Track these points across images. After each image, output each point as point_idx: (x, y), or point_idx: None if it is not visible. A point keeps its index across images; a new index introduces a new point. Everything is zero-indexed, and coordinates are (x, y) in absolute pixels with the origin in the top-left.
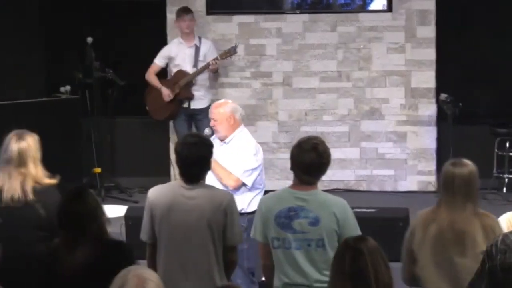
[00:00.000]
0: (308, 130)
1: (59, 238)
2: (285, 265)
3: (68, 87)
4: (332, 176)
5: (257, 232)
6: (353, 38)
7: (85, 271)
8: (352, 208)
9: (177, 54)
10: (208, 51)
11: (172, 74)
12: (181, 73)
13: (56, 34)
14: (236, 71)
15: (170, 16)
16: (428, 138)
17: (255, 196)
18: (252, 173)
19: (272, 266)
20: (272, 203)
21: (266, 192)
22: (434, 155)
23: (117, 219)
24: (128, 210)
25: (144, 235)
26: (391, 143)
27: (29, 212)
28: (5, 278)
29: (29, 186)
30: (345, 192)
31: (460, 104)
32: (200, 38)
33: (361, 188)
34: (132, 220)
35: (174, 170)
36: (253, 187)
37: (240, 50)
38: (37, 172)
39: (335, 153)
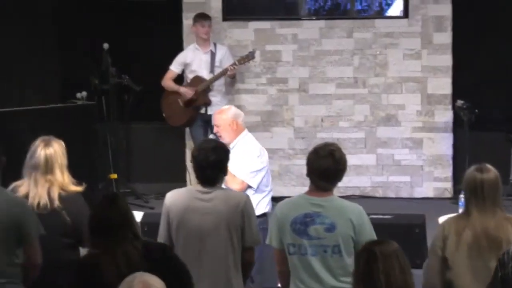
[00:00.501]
0: (324, 136)
1: (93, 245)
2: (301, 271)
3: (84, 93)
4: (348, 182)
5: (272, 238)
6: (369, 44)
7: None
8: (368, 214)
9: (193, 60)
10: (223, 57)
11: (188, 80)
12: (198, 79)
13: (72, 40)
14: (252, 77)
15: (186, 22)
16: (444, 144)
17: (262, 198)
18: (257, 175)
19: (288, 272)
20: (288, 209)
21: (281, 198)
22: (451, 162)
23: None
24: (144, 216)
25: (161, 240)
26: (407, 150)
27: (55, 219)
28: (31, 285)
29: (55, 193)
30: (361, 199)
31: (476, 110)
32: (215, 44)
33: (377, 195)
34: (148, 226)
35: (190, 176)
36: (259, 189)
37: (256, 56)
38: (63, 179)
39: (351, 160)
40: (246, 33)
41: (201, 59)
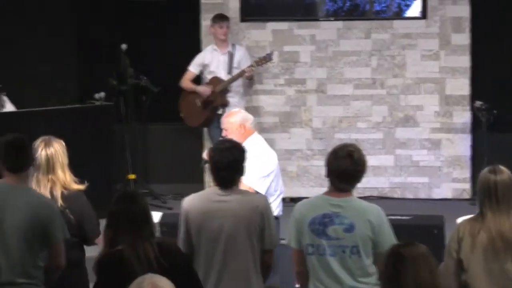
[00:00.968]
0: (342, 137)
1: (112, 240)
2: (320, 271)
3: (102, 94)
4: (366, 183)
5: (291, 238)
6: (387, 45)
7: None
8: (387, 215)
9: (211, 61)
10: (242, 58)
11: (207, 81)
12: (216, 79)
13: (90, 41)
14: (270, 78)
15: (204, 23)
16: (462, 145)
17: (271, 202)
18: (265, 180)
19: (306, 272)
20: (307, 210)
21: (299, 199)
22: (469, 163)
23: None
24: (162, 217)
25: (180, 245)
26: (425, 151)
27: None
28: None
29: (58, 192)
30: (379, 200)
31: (495, 111)
32: (234, 45)
33: (395, 196)
34: (166, 227)
35: (208, 177)
36: (268, 194)
37: (274, 57)
38: (65, 178)
39: (369, 161)
40: (264, 34)
41: (219, 60)
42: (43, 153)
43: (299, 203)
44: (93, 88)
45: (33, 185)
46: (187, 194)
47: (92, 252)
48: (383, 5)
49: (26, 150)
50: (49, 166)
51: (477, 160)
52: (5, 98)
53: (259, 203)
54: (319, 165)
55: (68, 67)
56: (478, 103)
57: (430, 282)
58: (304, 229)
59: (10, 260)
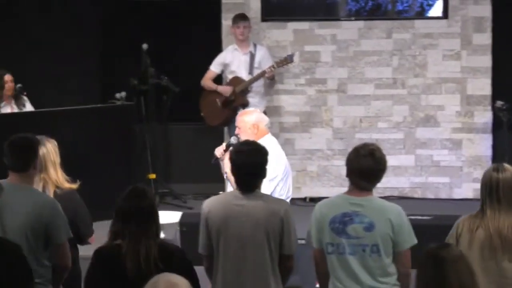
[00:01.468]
0: (363, 137)
1: (116, 234)
2: (339, 270)
3: (123, 94)
4: (386, 183)
5: (312, 238)
6: (408, 45)
7: (148, 268)
8: (407, 215)
9: (232, 61)
10: (263, 58)
11: (228, 80)
12: (236, 79)
13: (112, 41)
14: (291, 77)
15: (225, 23)
16: (483, 145)
17: None
18: (270, 184)
19: (326, 272)
20: (327, 209)
21: (320, 199)
22: (490, 163)
23: (171, 225)
24: (182, 217)
25: (201, 248)
26: (446, 151)
27: None
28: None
29: (51, 191)
30: (400, 199)
31: None
32: (255, 45)
33: (415, 196)
34: (186, 227)
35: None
36: None
37: (295, 58)
38: (57, 177)
39: (390, 160)
40: (285, 33)
41: (240, 60)
42: None
43: (320, 203)
44: (114, 88)
45: None
46: (208, 193)
47: (86, 251)
48: (405, 4)
49: (30, 150)
50: (41, 165)
51: (498, 160)
52: (26, 98)
53: (281, 208)
54: (340, 165)
55: (90, 66)
56: (499, 103)
57: (472, 284)
58: (324, 228)
59: None
